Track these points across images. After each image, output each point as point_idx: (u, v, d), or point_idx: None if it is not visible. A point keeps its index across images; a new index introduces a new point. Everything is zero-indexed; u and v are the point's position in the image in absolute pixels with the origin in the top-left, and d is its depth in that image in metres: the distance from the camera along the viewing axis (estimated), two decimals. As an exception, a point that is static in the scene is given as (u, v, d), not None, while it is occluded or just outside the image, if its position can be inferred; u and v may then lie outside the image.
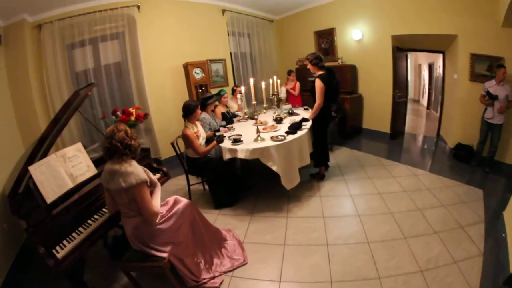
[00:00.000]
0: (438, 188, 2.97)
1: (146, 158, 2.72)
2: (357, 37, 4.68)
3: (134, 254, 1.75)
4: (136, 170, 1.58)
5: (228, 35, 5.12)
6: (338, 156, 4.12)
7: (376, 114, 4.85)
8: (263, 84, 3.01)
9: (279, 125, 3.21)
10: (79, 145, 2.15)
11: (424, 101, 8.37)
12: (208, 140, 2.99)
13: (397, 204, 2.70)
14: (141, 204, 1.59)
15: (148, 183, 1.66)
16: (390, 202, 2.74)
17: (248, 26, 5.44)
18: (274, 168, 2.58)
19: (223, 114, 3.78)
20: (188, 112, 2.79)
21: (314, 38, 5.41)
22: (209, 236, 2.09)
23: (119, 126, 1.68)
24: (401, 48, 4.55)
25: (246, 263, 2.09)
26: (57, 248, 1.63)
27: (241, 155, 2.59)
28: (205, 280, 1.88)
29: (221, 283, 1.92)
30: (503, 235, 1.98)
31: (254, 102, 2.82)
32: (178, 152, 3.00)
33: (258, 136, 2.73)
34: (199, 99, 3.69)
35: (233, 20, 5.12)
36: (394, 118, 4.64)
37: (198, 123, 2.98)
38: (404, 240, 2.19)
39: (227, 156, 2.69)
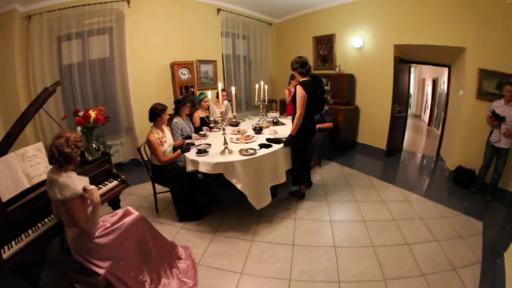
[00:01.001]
0: (433, 218, 2.61)
1: (106, 163, 2.47)
2: (358, 44, 4.38)
3: (74, 264, 1.60)
4: (72, 183, 1.47)
5: (222, 36, 4.88)
6: (326, 172, 3.77)
7: (373, 128, 4.50)
8: (257, 87, 2.74)
9: (256, 136, 2.91)
10: (39, 145, 2.04)
11: (426, 117, 7.98)
12: (178, 148, 2.70)
13: (382, 236, 2.34)
14: (75, 218, 1.49)
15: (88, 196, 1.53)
16: (375, 233, 2.39)
17: (244, 28, 5.21)
18: (239, 186, 2.26)
19: (201, 119, 3.49)
20: (153, 116, 2.54)
21: (313, 44, 5.12)
22: (159, 253, 1.88)
23: (63, 132, 1.59)
24: (404, 59, 4.22)
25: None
26: (5, 248, 1.58)
27: (202, 169, 2.29)
28: None
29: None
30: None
31: (234, 113, 2.54)
32: (145, 158, 2.73)
33: (226, 148, 2.43)
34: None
35: (228, 21, 4.90)
36: (392, 134, 4.28)
37: (166, 128, 2.71)
38: (383, 283, 1.84)
39: (189, 167, 2.40)
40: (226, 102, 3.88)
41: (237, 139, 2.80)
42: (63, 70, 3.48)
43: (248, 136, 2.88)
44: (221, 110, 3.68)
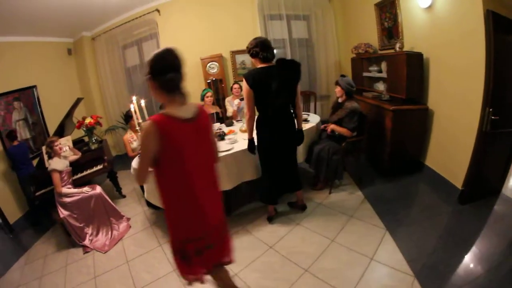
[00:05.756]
0: None
1: (100, 150, 3.30)
2: (425, 3, 2.64)
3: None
4: (52, 164, 2.55)
5: (267, 19, 4.39)
6: (333, 202, 2.71)
7: (450, 148, 2.67)
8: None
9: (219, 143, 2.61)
10: (68, 137, 3.23)
11: None
12: None
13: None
14: (53, 183, 2.56)
15: (63, 174, 2.61)
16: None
17: (296, 7, 4.37)
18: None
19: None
20: (126, 120, 3.18)
21: (376, 14, 3.58)
22: (105, 218, 2.73)
23: (49, 138, 2.72)
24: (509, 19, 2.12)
25: (102, 252, 2.50)
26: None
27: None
28: (84, 243, 2.59)
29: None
30: None
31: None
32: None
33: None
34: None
35: (268, 2, 4.30)
36: (478, 163, 2.33)
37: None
38: None
39: None
40: (237, 101, 3.49)
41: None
42: (126, 71, 4.57)
43: None
44: (234, 108, 3.54)
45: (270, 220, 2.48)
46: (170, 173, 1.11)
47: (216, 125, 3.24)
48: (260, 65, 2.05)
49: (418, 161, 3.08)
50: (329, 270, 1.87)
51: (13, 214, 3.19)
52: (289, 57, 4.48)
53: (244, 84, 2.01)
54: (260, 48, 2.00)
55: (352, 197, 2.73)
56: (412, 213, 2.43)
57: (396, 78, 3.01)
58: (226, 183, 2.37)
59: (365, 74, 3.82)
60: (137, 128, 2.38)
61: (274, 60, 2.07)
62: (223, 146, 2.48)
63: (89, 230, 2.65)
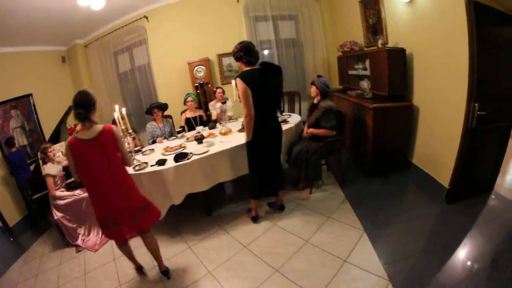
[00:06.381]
0: None
1: None
2: None
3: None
4: (46, 169, 2.72)
5: (254, 21, 4.41)
6: (314, 202, 2.74)
7: (436, 146, 2.63)
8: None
9: (195, 146, 2.71)
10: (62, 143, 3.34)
11: None
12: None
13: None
14: (47, 187, 2.73)
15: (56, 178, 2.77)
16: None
17: (281, 7, 4.37)
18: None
19: (187, 119, 3.57)
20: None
21: (360, 11, 3.54)
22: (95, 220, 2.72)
23: (43, 145, 2.93)
24: (494, 8, 2.06)
25: (93, 250, 2.65)
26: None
27: None
28: (77, 242, 2.75)
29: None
30: None
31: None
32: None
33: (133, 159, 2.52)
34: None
35: (253, 4, 4.32)
36: (465, 161, 2.28)
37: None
38: None
39: None
40: (219, 104, 3.50)
41: (165, 150, 2.72)
42: (118, 77, 4.67)
43: (180, 145, 2.73)
44: (217, 111, 3.60)
45: (255, 219, 2.51)
46: (82, 175, 1.74)
47: (199, 128, 3.32)
48: (245, 68, 2.12)
49: (405, 159, 3.04)
50: (299, 271, 1.89)
51: (13, 217, 3.37)
52: (276, 58, 4.50)
53: (240, 84, 2.03)
54: (244, 52, 2.07)
55: (333, 197, 2.73)
56: (394, 214, 2.39)
57: (378, 75, 2.98)
58: (201, 184, 2.47)
59: (350, 72, 3.78)
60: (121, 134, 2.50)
61: (258, 63, 2.14)
62: (200, 149, 2.55)
63: (81, 231, 2.81)
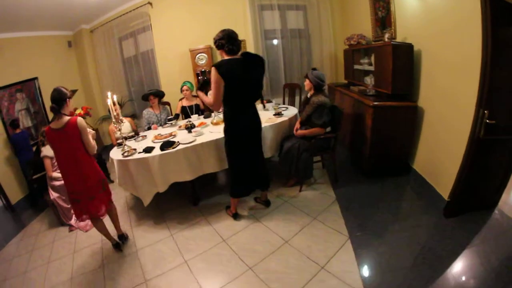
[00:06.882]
0: None
1: None
2: None
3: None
4: (44, 151, 2.81)
5: (261, 10, 4.25)
6: (301, 200, 2.64)
7: (440, 153, 2.41)
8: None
9: (184, 135, 2.69)
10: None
11: None
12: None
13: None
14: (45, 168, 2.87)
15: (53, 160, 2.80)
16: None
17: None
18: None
19: (183, 108, 3.54)
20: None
21: (370, 2, 3.31)
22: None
23: (43, 128, 2.96)
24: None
25: (84, 231, 2.74)
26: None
27: None
28: (70, 222, 2.84)
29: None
30: None
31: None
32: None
33: (124, 145, 2.51)
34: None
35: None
36: (468, 172, 2.05)
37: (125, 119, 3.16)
38: None
39: None
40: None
41: (155, 137, 2.71)
42: (123, 62, 4.71)
43: (171, 133, 2.72)
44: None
45: (235, 217, 2.47)
46: (55, 157, 2.13)
47: (194, 117, 3.29)
48: (226, 57, 2.01)
49: (406, 163, 2.86)
50: (273, 272, 1.83)
51: (15, 195, 3.54)
52: (281, 48, 4.34)
53: (214, 73, 1.91)
54: (226, 40, 1.96)
55: (322, 198, 2.62)
56: (385, 221, 2.22)
57: (382, 72, 2.79)
58: (185, 174, 2.45)
59: (356, 67, 3.58)
60: (113, 120, 2.52)
61: (240, 53, 2.04)
62: (188, 138, 2.51)
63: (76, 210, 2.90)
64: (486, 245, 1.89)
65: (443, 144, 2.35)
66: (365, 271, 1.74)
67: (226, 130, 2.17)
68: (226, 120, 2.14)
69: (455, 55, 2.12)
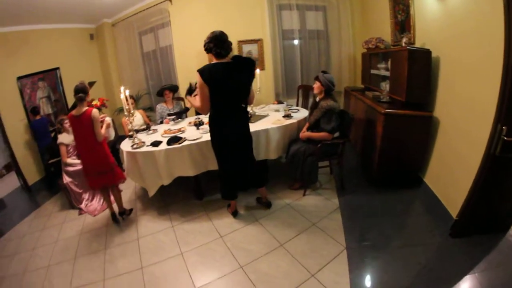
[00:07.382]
0: None
1: None
2: None
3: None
4: (60, 138, 3.02)
5: (279, 9, 4.24)
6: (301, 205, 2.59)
7: (454, 168, 2.25)
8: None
9: (192, 131, 2.76)
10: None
11: None
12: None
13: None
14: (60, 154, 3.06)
15: (69, 147, 3.05)
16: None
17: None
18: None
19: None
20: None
21: (389, 5, 3.18)
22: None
23: (63, 116, 3.22)
24: None
25: (92, 215, 2.88)
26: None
27: None
28: (81, 206, 3.01)
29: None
30: None
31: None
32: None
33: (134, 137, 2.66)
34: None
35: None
36: (480, 191, 1.90)
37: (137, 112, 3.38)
38: None
39: None
40: None
41: (165, 131, 2.80)
42: (142, 56, 4.84)
43: (179, 129, 2.79)
44: None
45: (235, 215, 2.48)
46: (74, 140, 2.53)
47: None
48: (215, 61, 1.99)
49: (416, 176, 2.72)
50: (263, 274, 1.82)
51: (33, 177, 3.76)
52: (298, 49, 4.29)
53: (198, 78, 1.92)
54: (214, 43, 1.93)
55: (325, 204, 2.56)
56: (386, 235, 2.10)
57: (398, 78, 2.67)
58: (189, 170, 2.51)
59: (373, 71, 3.45)
60: (125, 114, 2.62)
61: (231, 56, 2.01)
62: (195, 135, 2.58)
63: (85, 196, 3.07)
64: (493, 271, 1.75)
65: (457, 158, 2.20)
66: (356, 285, 1.67)
67: (210, 134, 2.18)
68: (209, 123, 2.14)
69: (475, 60, 1.98)
